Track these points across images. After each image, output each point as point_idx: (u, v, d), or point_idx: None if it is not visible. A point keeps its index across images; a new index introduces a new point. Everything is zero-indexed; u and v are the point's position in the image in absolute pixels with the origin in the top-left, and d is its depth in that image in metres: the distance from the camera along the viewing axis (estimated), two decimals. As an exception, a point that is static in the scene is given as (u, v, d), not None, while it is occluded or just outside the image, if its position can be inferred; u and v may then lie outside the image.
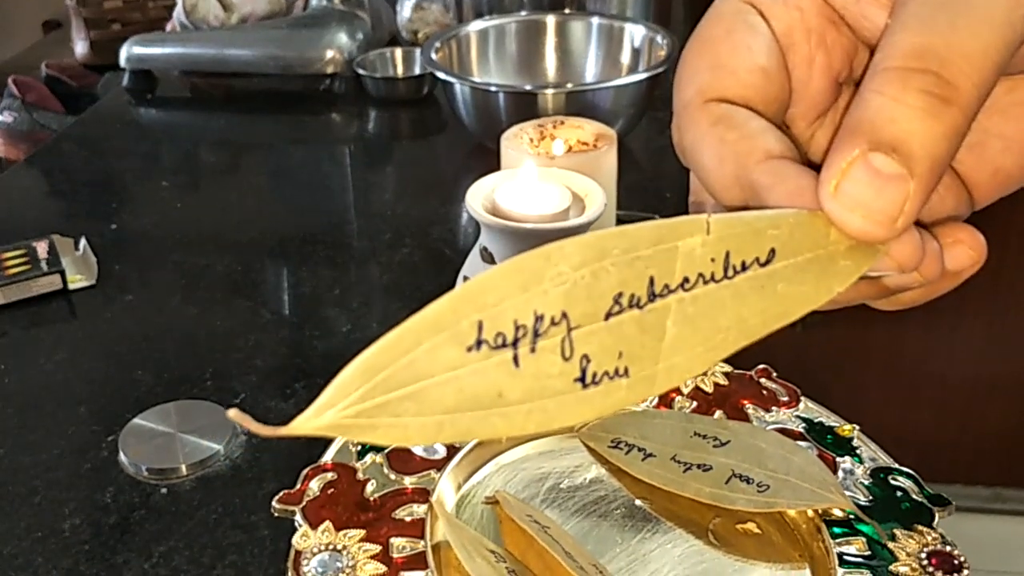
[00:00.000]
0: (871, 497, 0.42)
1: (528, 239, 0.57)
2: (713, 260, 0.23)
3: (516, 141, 0.74)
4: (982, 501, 1.44)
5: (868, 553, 0.39)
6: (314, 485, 0.42)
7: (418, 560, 0.39)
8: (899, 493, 0.42)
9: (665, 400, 0.47)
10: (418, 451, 0.44)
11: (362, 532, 0.40)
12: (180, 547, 0.52)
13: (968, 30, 0.24)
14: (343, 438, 0.21)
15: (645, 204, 0.82)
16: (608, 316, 0.22)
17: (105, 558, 0.52)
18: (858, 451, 0.44)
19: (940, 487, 0.43)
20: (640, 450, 0.43)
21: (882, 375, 1.42)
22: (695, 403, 0.47)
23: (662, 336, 0.23)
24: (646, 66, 0.96)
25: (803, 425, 0.46)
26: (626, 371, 0.22)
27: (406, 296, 0.73)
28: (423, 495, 0.42)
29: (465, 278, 0.62)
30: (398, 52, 1.13)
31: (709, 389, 0.48)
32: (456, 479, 0.44)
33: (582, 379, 0.22)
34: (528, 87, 0.93)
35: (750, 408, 0.47)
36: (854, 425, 0.46)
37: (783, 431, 0.45)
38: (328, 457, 0.44)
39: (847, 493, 0.41)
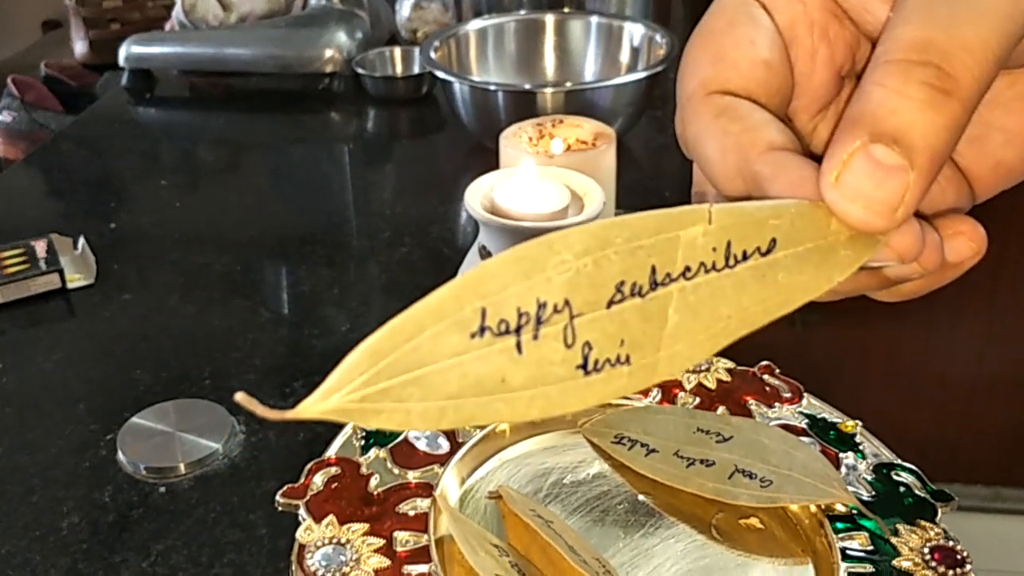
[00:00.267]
0: (874, 492, 0.42)
1: (526, 238, 0.56)
2: (714, 249, 0.23)
3: (515, 140, 0.74)
4: (982, 500, 1.43)
5: (871, 548, 0.39)
6: (318, 479, 0.42)
7: (422, 554, 0.39)
8: (902, 488, 0.42)
9: (668, 396, 0.47)
10: (421, 446, 0.44)
11: (366, 526, 0.40)
12: (178, 546, 0.52)
13: (969, 23, 0.24)
14: (347, 422, 0.21)
15: (644, 203, 0.82)
16: (610, 304, 0.22)
17: (103, 557, 0.51)
18: (861, 447, 0.44)
19: (940, 486, 0.43)
20: (643, 446, 0.43)
21: (882, 374, 1.42)
22: (698, 399, 0.47)
23: (664, 324, 0.23)
24: (645, 65, 0.96)
25: (806, 421, 0.46)
26: (628, 359, 0.23)
27: (405, 295, 0.73)
28: (427, 489, 0.42)
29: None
30: (397, 51, 1.12)
31: (712, 385, 0.48)
32: (460, 474, 0.44)
33: (584, 366, 0.22)
34: (527, 86, 0.93)
35: (753, 404, 0.47)
36: (857, 421, 0.46)
37: (786, 427, 0.45)
38: (332, 451, 0.44)
39: (850, 488, 0.41)
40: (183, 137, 1.08)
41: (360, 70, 1.07)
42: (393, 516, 0.40)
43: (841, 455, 0.44)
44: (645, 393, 0.47)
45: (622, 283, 0.22)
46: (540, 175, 0.62)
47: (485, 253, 0.60)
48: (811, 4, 0.29)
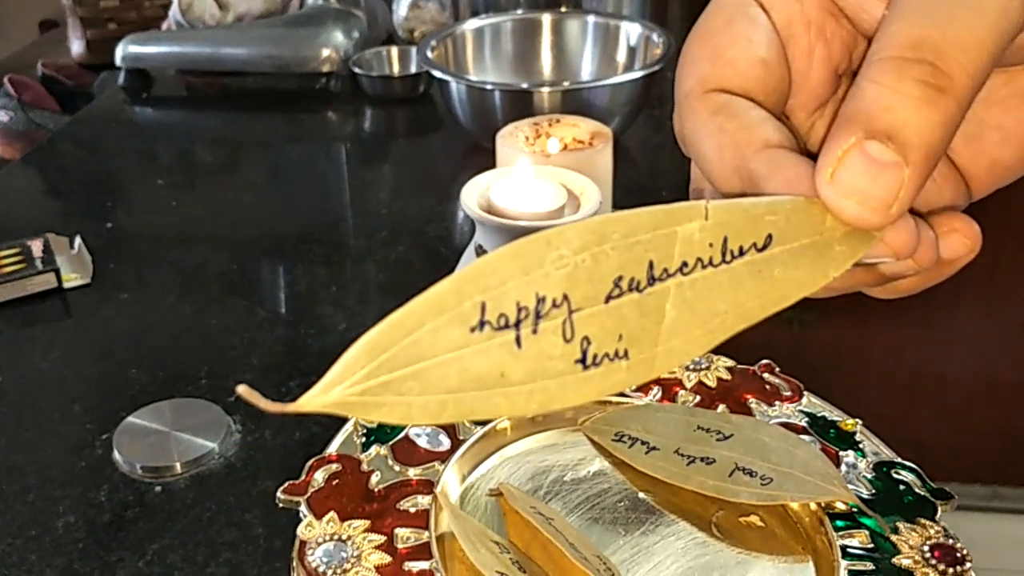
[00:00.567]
0: (874, 491, 0.42)
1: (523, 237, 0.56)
2: (711, 245, 0.24)
3: (512, 139, 0.74)
4: (980, 499, 1.43)
5: (871, 546, 0.39)
6: (319, 476, 0.42)
7: (422, 551, 0.39)
8: (902, 487, 0.42)
9: (668, 394, 0.47)
10: (422, 443, 0.44)
11: (367, 523, 0.40)
12: (174, 545, 0.52)
13: (963, 21, 0.24)
14: (348, 415, 0.21)
15: (641, 202, 0.81)
16: (608, 299, 0.23)
17: (99, 556, 0.51)
18: (861, 445, 0.44)
19: (938, 485, 0.43)
20: (643, 443, 0.43)
21: (880, 374, 1.42)
22: (698, 397, 0.47)
23: (661, 319, 0.23)
24: (642, 64, 0.96)
25: (806, 419, 0.46)
26: (626, 353, 0.23)
27: (402, 294, 0.72)
28: (427, 486, 0.42)
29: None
30: (394, 51, 1.12)
31: (712, 383, 0.48)
32: (460, 471, 0.44)
33: (583, 360, 0.22)
34: (524, 85, 0.93)
35: (753, 402, 0.47)
36: (857, 419, 0.46)
37: (786, 425, 0.45)
38: (333, 448, 0.44)
39: (850, 487, 0.41)
40: (180, 137, 1.08)
41: (357, 69, 1.07)
42: (394, 513, 0.40)
43: (841, 453, 0.44)
44: (645, 391, 0.47)
45: (620, 278, 0.23)
46: (536, 174, 0.62)
47: (481, 252, 0.60)
48: (808, 3, 0.29)
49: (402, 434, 0.45)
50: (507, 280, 0.21)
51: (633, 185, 0.86)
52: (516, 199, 0.61)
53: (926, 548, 0.39)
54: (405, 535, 0.39)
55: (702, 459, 0.41)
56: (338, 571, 0.38)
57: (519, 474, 0.44)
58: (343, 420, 0.46)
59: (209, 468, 0.57)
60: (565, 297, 0.22)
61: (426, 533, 0.39)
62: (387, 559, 0.38)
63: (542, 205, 0.61)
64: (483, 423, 0.45)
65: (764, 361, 0.49)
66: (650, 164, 0.97)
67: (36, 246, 0.75)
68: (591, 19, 1.03)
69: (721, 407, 0.46)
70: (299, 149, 1.02)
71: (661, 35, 0.95)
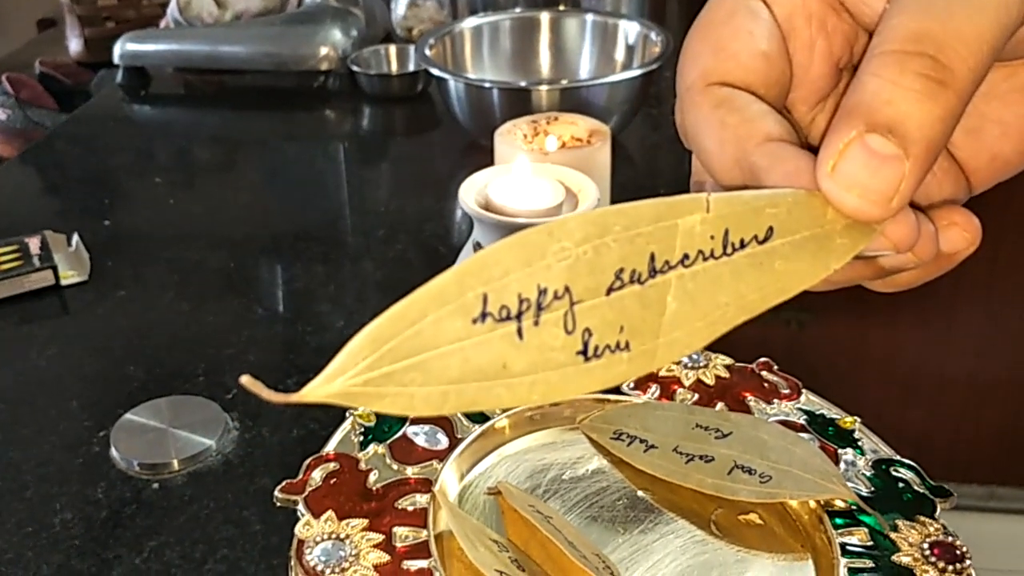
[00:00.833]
0: (873, 488, 0.42)
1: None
2: (712, 237, 0.24)
3: (510, 137, 0.74)
4: (976, 499, 1.44)
5: (870, 543, 0.39)
6: (316, 475, 0.42)
7: (421, 549, 0.38)
8: (901, 484, 0.42)
9: (667, 392, 0.47)
10: (420, 442, 0.44)
11: (365, 521, 0.40)
12: (172, 542, 0.52)
13: (964, 14, 0.24)
14: (351, 405, 0.21)
15: (639, 200, 0.82)
16: (610, 291, 0.23)
17: (96, 553, 0.51)
18: (859, 443, 0.44)
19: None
20: (642, 441, 0.42)
21: (878, 374, 1.42)
22: (697, 395, 0.47)
23: (662, 311, 0.23)
24: (640, 63, 0.96)
25: (804, 417, 0.46)
26: (627, 345, 0.23)
27: (400, 292, 0.72)
28: (426, 485, 0.42)
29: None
30: (392, 49, 1.12)
31: (711, 381, 0.48)
32: (459, 469, 0.43)
33: (584, 352, 0.22)
34: (522, 83, 0.93)
35: (752, 400, 0.47)
36: (855, 417, 0.46)
37: (785, 423, 0.45)
38: (330, 447, 0.44)
39: (849, 484, 0.41)
40: (178, 135, 1.08)
41: (355, 68, 1.07)
42: (392, 512, 0.40)
43: (840, 451, 0.44)
44: (644, 389, 0.47)
45: (621, 270, 0.23)
46: (535, 172, 0.62)
47: (479, 250, 0.60)
48: None
49: (400, 432, 0.44)
50: (509, 271, 0.21)
51: (631, 183, 0.86)
52: (514, 197, 0.61)
53: (925, 546, 0.39)
54: (403, 534, 0.39)
55: (701, 457, 0.41)
56: (336, 570, 0.37)
57: (517, 472, 0.44)
58: (341, 418, 0.46)
59: (206, 465, 0.57)
60: (567, 289, 0.22)
61: (424, 532, 0.39)
62: (385, 558, 0.38)
63: (540, 203, 0.61)
64: (481, 421, 0.45)
65: (762, 359, 0.49)
66: (648, 162, 0.97)
67: (34, 243, 0.75)
68: (589, 17, 1.03)
69: (720, 405, 0.46)
70: (297, 147, 1.02)
71: (659, 34, 0.95)
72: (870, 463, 0.43)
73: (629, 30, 0.99)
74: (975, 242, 0.28)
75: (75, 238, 0.78)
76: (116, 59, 1.12)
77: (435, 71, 0.92)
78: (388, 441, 0.44)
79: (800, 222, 0.24)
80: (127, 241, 0.82)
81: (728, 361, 0.49)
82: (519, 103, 0.86)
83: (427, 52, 0.95)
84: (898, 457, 0.44)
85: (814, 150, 0.25)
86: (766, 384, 0.48)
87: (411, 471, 0.43)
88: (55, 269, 0.73)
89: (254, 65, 1.11)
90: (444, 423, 0.45)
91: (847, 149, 0.24)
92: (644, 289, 0.23)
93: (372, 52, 1.11)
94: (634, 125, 0.96)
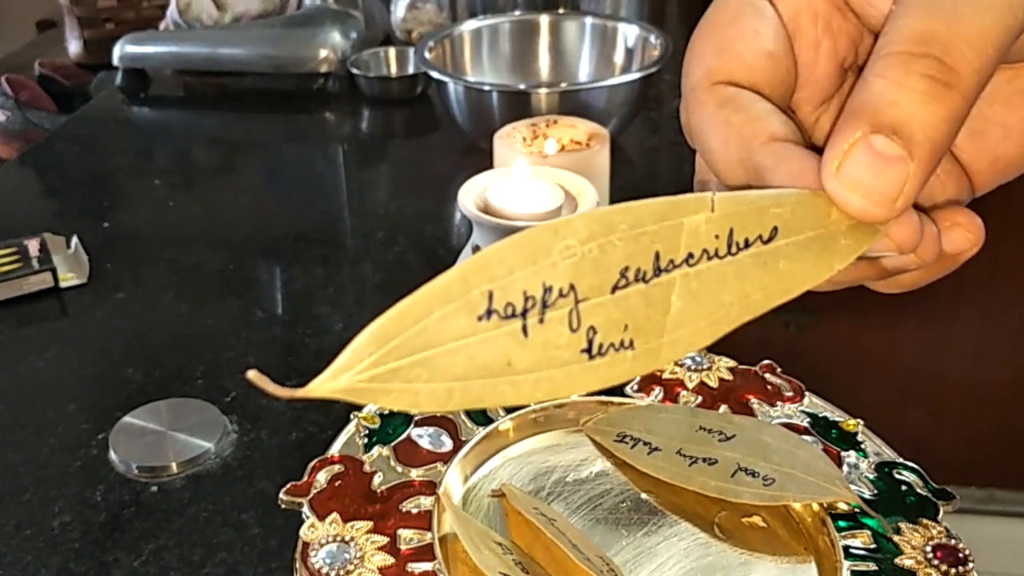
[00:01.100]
0: (876, 491, 0.41)
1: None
2: (717, 237, 0.24)
3: (509, 140, 0.74)
4: (976, 502, 1.43)
5: (873, 546, 0.39)
6: (321, 477, 0.42)
7: (425, 552, 0.38)
8: (904, 487, 0.42)
9: (670, 395, 0.47)
10: (425, 444, 0.44)
11: (369, 524, 0.39)
12: (170, 545, 0.51)
13: (970, 16, 0.24)
14: (356, 401, 0.21)
15: (641, 202, 0.82)
16: (615, 289, 0.23)
17: (95, 556, 0.51)
18: (863, 446, 0.44)
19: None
20: (646, 444, 0.42)
21: (878, 376, 1.42)
22: (700, 398, 0.47)
23: (667, 310, 0.23)
24: (639, 66, 0.96)
25: (808, 420, 0.46)
26: (631, 343, 0.23)
27: (399, 294, 0.73)
28: (430, 487, 0.42)
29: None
30: (392, 51, 1.12)
31: (714, 384, 0.47)
32: (463, 472, 0.43)
33: (588, 350, 0.22)
34: (521, 86, 0.93)
35: (755, 403, 0.46)
36: (858, 420, 0.45)
37: (788, 426, 0.45)
38: (335, 450, 0.44)
39: (852, 487, 0.41)
40: (177, 137, 1.08)
41: (355, 70, 1.07)
42: (397, 514, 0.40)
43: (843, 454, 0.43)
44: (647, 392, 0.47)
45: (626, 269, 0.23)
46: (534, 175, 0.62)
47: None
48: None
49: (404, 435, 0.44)
50: (514, 269, 0.21)
51: (630, 186, 0.86)
52: (513, 200, 0.61)
53: (928, 548, 0.39)
54: (408, 536, 0.39)
55: (704, 460, 0.41)
56: (341, 572, 0.37)
57: (521, 475, 0.44)
58: (340, 421, 0.45)
59: (205, 468, 0.57)
60: (572, 287, 0.22)
61: (429, 534, 0.39)
62: (390, 560, 0.38)
63: (539, 206, 0.61)
64: (485, 423, 0.45)
65: (765, 361, 0.49)
66: (647, 165, 0.97)
67: (33, 245, 0.75)
68: (589, 20, 1.03)
69: (723, 407, 0.46)
70: (296, 149, 1.02)
71: (658, 37, 0.95)
72: (873, 466, 0.43)
73: (628, 33, 0.99)
74: (978, 243, 0.28)
75: (74, 240, 0.77)
76: (116, 61, 1.12)
77: (434, 74, 0.91)
78: (392, 443, 0.44)
79: (804, 222, 0.24)
80: (126, 243, 0.82)
81: (731, 363, 0.49)
82: (518, 106, 0.86)
83: (426, 55, 0.95)
84: (901, 460, 0.44)
85: (819, 150, 0.25)
86: (769, 387, 0.47)
87: (415, 473, 0.43)
88: (54, 271, 0.73)
89: (254, 67, 1.11)
90: (448, 425, 0.45)
91: (852, 150, 0.24)
92: (649, 288, 0.23)
93: (371, 54, 1.11)
94: (633, 128, 0.96)
